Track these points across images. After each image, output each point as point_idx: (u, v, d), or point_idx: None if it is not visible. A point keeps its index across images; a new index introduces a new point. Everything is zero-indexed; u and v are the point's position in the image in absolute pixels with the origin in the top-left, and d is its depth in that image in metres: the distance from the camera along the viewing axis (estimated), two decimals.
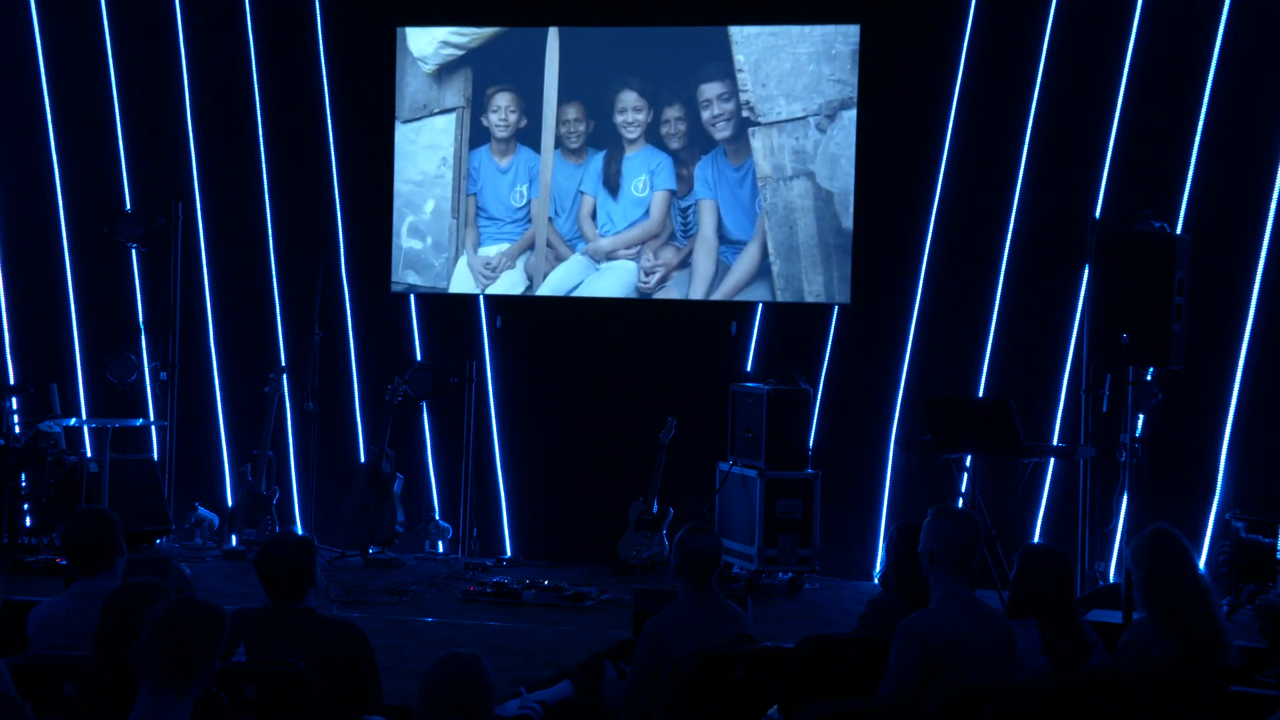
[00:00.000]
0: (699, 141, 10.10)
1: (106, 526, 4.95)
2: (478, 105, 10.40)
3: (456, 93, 10.44)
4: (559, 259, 10.29)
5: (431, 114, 10.48)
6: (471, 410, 10.04)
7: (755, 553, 8.89)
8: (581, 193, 10.26)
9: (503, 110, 10.36)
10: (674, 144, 10.14)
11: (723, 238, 10.04)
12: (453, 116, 10.46)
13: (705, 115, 10.07)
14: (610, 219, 10.21)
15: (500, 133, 10.37)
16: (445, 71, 10.45)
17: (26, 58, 10.79)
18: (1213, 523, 8.96)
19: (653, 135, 10.19)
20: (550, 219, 10.28)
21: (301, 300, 10.23)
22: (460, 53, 10.46)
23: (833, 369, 9.77)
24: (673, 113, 10.13)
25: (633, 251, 10.17)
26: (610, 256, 10.23)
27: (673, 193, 10.11)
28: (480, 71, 10.41)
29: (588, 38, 10.32)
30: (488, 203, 10.38)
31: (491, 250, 10.34)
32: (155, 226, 10.30)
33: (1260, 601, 6.59)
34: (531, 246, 10.31)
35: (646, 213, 10.15)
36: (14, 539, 9.22)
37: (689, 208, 10.08)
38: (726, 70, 10.02)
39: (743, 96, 10.00)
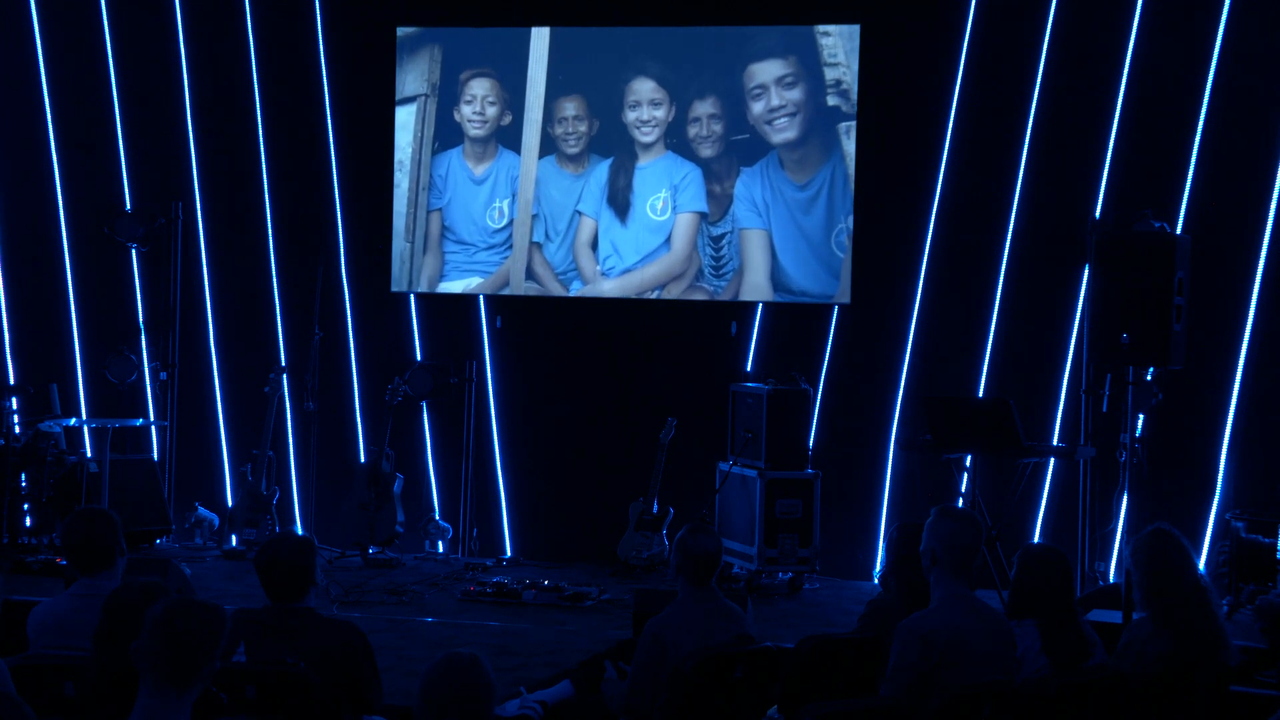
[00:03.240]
0: (741, 148, 7.82)
1: (106, 526, 4.96)
2: (447, 94, 8.38)
3: (419, 77, 8.29)
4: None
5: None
6: (471, 410, 10.04)
7: (755, 553, 8.89)
8: (579, 213, 8.16)
9: (479, 101, 8.29)
10: (705, 150, 7.91)
11: (779, 284, 7.68)
12: (413, 108, 8.39)
13: (756, 109, 7.71)
14: (616, 250, 8.07)
15: (476, 130, 8.38)
16: (406, 49, 8.26)
17: (26, 58, 10.79)
18: (1213, 523, 8.97)
19: (676, 138, 8.01)
20: (539, 244, 8.05)
21: (301, 300, 10.22)
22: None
23: (833, 369, 9.76)
24: (705, 107, 7.90)
25: (648, 297, 8.16)
26: None
27: (703, 216, 7.83)
28: (452, 51, 8.28)
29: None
30: (456, 222, 8.47)
31: (457, 286, 8.23)
32: (155, 226, 10.30)
33: (1260, 601, 6.61)
34: (509, 283, 8.23)
35: (667, 242, 7.95)
36: (14, 539, 9.24)
37: (723, 237, 7.83)
38: (797, 42, 7.35)
39: (831, 75, 7.40)
